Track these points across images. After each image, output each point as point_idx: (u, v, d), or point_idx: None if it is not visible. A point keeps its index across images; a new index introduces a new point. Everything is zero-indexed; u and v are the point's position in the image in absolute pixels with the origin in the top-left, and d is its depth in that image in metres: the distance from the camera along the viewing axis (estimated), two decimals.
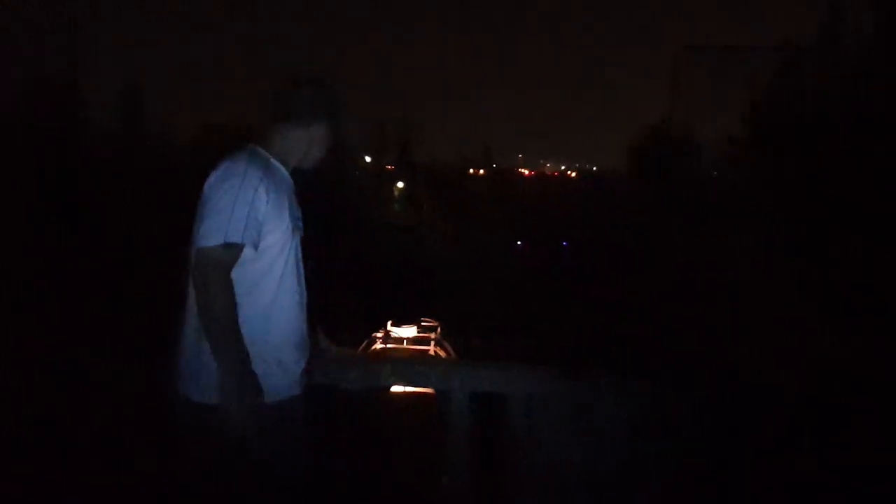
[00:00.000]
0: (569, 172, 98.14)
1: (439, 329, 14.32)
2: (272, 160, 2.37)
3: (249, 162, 2.29)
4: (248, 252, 2.24)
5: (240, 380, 2.17)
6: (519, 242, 42.28)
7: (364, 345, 12.23)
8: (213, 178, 2.28)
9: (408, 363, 2.88)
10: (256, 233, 2.23)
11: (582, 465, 2.71)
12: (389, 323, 13.83)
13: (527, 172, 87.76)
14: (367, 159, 47.62)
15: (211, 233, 2.18)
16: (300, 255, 2.42)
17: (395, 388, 3.02)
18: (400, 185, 45.03)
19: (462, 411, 2.79)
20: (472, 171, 61.86)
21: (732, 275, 19.57)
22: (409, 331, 13.45)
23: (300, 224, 2.41)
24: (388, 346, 12.22)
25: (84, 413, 2.97)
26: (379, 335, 13.16)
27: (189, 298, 2.28)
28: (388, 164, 48.46)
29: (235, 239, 2.18)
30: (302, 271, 2.43)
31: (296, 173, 2.47)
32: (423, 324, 14.56)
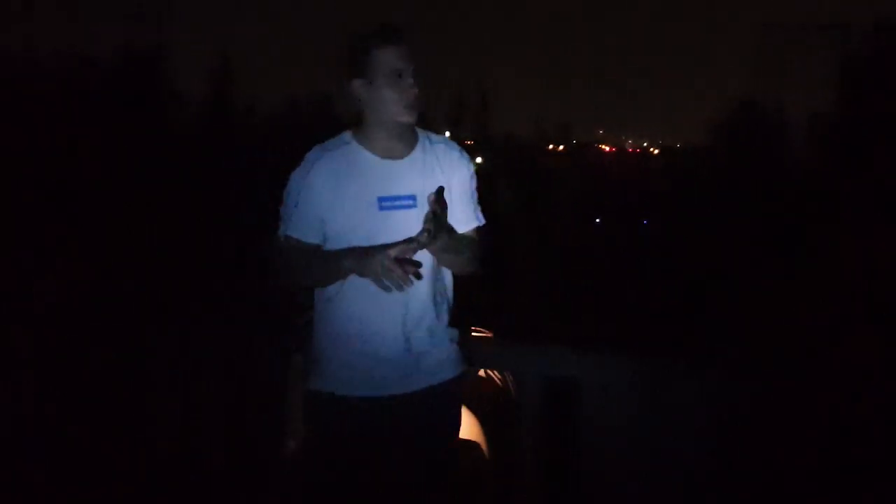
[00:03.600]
0: (651, 149, 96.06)
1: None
2: (353, 142, 2.21)
3: (315, 149, 2.23)
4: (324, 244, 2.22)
5: (360, 254, 2.10)
6: (598, 220, 41.76)
7: None
8: None
9: (484, 345, 2.84)
10: (310, 224, 2.19)
11: (655, 456, 2.63)
12: None
13: (607, 148, 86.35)
14: (447, 134, 47.42)
15: (280, 222, 2.25)
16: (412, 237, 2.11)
17: None
18: (479, 160, 44.95)
19: (536, 395, 2.75)
20: (550, 146, 61.25)
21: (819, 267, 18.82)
22: None
23: (392, 206, 2.16)
24: None
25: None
26: None
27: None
28: (467, 139, 48.34)
29: (287, 231, 2.21)
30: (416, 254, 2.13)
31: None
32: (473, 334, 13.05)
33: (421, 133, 2.28)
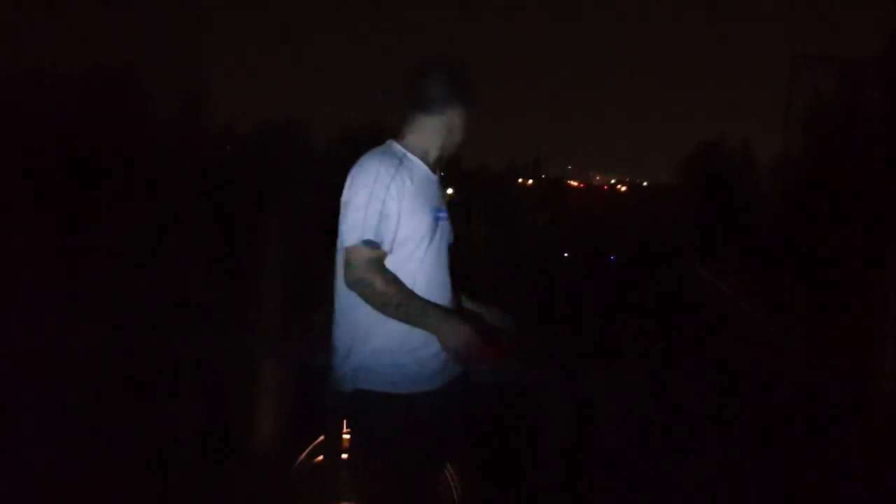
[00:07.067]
0: (619, 186, 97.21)
1: None
2: (408, 154, 2.43)
3: (381, 159, 2.35)
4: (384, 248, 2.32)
5: (443, 318, 2.31)
6: (566, 254, 42.20)
7: None
8: (349, 177, 2.38)
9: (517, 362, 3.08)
10: (390, 230, 2.30)
11: (668, 464, 2.90)
12: None
13: (576, 184, 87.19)
14: None
15: (350, 232, 2.29)
16: (445, 248, 2.45)
17: None
18: (450, 191, 45.02)
19: (557, 407, 3.01)
20: (520, 180, 61.84)
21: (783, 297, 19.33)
22: None
23: (441, 218, 2.44)
24: None
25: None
26: None
27: (339, 298, 2.40)
28: (441, 171, 48.38)
29: (369, 236, 2.27)
30: (445, 264, 2.45)
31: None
32: None
33: None
